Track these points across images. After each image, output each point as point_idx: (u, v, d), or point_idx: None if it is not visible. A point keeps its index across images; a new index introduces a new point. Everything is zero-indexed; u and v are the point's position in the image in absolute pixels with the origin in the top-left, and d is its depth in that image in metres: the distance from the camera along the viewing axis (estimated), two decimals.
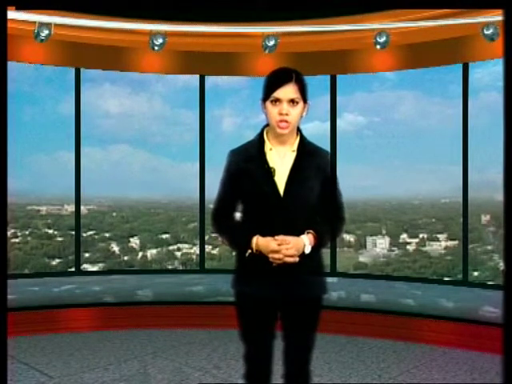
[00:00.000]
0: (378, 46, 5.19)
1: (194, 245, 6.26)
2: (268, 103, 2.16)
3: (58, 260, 6.00)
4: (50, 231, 6.07)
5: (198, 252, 6.14)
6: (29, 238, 6.01)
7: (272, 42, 5.28)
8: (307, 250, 2.12)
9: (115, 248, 6.30)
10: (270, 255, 2.09)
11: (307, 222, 2.17)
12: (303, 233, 2.14)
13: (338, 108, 5.87)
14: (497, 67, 5.24)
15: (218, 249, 6.34)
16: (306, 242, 2.12)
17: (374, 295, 5.44)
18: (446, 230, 5.85)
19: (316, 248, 2.17)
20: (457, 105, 5.42)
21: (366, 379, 3.75)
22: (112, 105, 6.30)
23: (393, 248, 6.05)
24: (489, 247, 5.57)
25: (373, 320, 4.86)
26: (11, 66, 4.34)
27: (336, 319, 5.00)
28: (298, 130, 2.25)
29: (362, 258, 6.14)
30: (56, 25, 4.99)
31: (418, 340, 4.60)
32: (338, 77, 5.82)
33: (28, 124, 5.86)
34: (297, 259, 2.10)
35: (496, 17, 4.64)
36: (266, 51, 5.35)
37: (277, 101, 2.14)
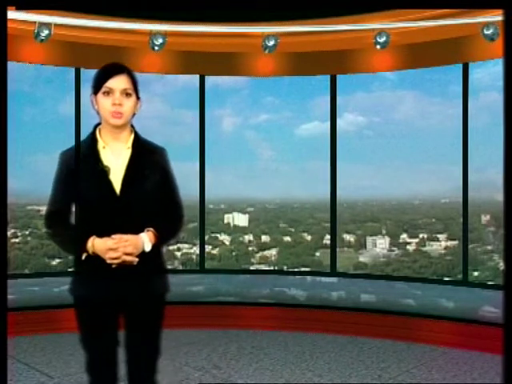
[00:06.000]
0: (378, 46, 5.18)
1: (194, 245, 6.25)
2: (100, 95, 2.11)
3: (57, 260, 6.00)
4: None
5: (198, 252, 6.13)
6: (29, 238, 6.00)
7: (272, 42, 5.28)
8: (147, 248, 2.06)
9: None
10: (108, 255, 1.99)
11: (146, 221, 2.10)
12: (143, 231, 2.07)
13: (338, 108, 5.85)
14: (497, 67, 5.24)
15: (217, 249, 6.33)
16: (145, 239, 2.06)
17: (374, 295, 5.45)
18: (445, 230, 5.85)
19: (156, 246, 2.12)
20: (457, 105, 5.41)
21: (365, 379, 3.75)
22: None
23: (393, 248, 6.05)
24: (489, 247, 5.57)
25: (373, 320, 4.87)
26: (11, 66, 4.33)
27: (336, 319, 5.01)
28: (132, 126, 2.18)
29: (362, 258, 6.14)
30: (56, 25, 4.99)
31: (418, 340, 4.61)
32: (338, 77, 5.81)
33: (28, 124, 5.85)
34: (136, 259, 2.02)
35: (496, 17, 4.64)
36: (266, 51, 5.35)
37: (109, 92, 2.10)
